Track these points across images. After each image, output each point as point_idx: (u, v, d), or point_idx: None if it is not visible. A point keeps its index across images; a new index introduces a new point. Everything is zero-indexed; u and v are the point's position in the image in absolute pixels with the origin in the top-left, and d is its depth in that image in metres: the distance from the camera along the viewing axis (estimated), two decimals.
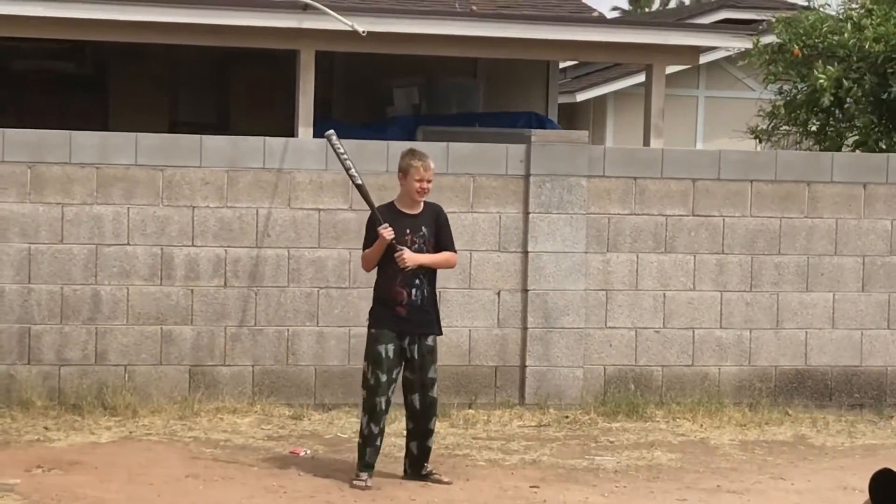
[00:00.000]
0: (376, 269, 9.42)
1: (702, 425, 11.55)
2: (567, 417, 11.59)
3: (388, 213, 9.36)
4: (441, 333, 9.52)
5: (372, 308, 9.44)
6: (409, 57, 14.93)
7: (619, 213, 11.97)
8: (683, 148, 18.05)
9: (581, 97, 22.08)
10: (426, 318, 9.34)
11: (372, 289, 9.50)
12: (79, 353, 11.27)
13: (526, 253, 11.84)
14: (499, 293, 11.83)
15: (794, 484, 9.86)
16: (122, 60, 17.12)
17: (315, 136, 13.16)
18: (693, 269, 12.08)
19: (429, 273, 9.35)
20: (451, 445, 10.51)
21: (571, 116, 22.02)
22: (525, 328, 11.85)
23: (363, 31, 12.98)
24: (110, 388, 11.21)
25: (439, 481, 9.39)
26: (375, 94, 17.40)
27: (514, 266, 11.80)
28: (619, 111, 22.39)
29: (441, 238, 9.39)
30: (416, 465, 9.48)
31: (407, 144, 12.20)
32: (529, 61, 16.58)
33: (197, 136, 11.59)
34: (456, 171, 11.66)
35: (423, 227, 9.32)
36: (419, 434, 9.43)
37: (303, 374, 11.57)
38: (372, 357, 9.28)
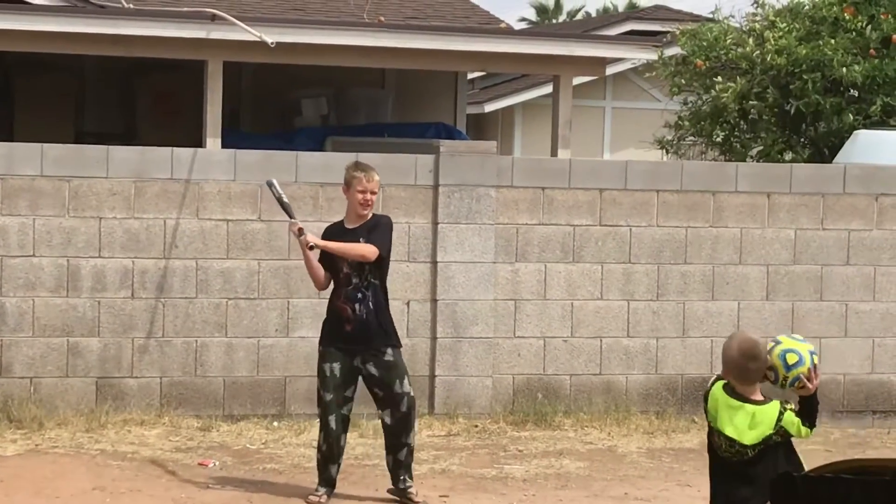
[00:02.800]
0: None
1: (609, 433, 11.64)
2: (476, 426, 11.64)
3: (333, 230, 9.25)
4: (399, 345, 9.24)
5: (322, 324, 9.33)
6: (318, 67, 14.92)
7: (527, 223, 12.04)
8: (590, 158, 18.19)
9: (489, 108, 22.20)
10: (376, 333, 9.11)
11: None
12: None
13: (435, 263, 11.87)
14: (408, 303, 11.85)
15: (700, 491, 9.95)
16: (28, 70, 16.95)
17: (223, 146, 13.11)
18: (600, 279, 12.18)
19: (371, 286, 9.11)
20: (360, 455, 10.51)
21: (480, 127, 22.12)
22: (434, 338, 11.88)
23: (271, 42, 12.95)
24: (16, 400, 11.09)
25: (410, 500, 9.30)
26: (284, 104, 17.37)
27: (424, 276, 11.83)
28: (526, 122, 22.53)
29: (371, 236, 9.11)
30: (393, 477, 9.37)
31: (316, 154, 12.22)
32: (438, 72, 16.64)
33: (104, 147, 11.51)
34: None
35: (360, 239, 9.11)
36: (391, 447, 9.31)
37: (211, 385, 11.52)
38: (319, 375, 9.19)
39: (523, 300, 12.05)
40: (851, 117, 14.59)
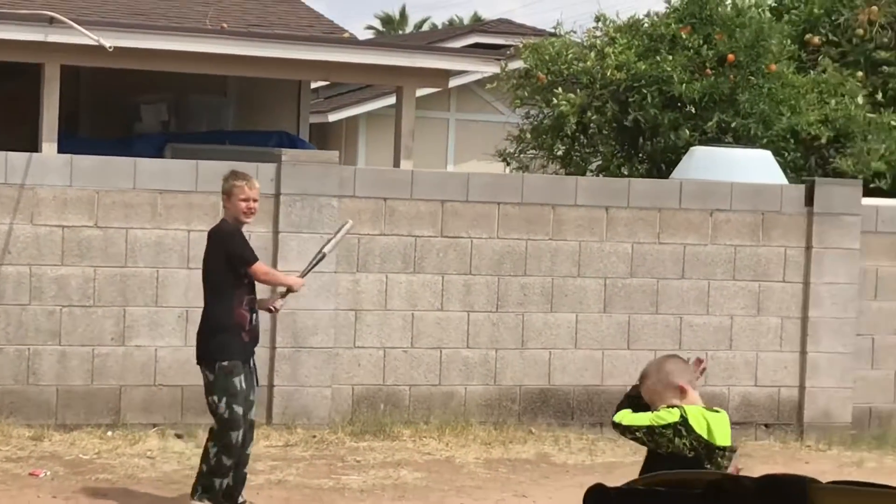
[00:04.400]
0: (213, 294, 9.06)
1: (448, 444, 11.67)
2: (315, 437, 11.58)
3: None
4: None
5: (217, 337, 8.95)
6: (158, 73, 14.76)
7: (369, 234, 12.03)
8: (433, 170, 18.25)
9: (333, 117, 22.16)
10: (257, 340, 9.22)
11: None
12: None
13: None
14: None
15: (536, 501, 10.05)
16: None
17: (60, 151, 12.89)
18: (441, 290, 12.21)
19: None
20: (195, 465, 10.38)
21: (324, 136, 22.06)
22: (273, 347, 11.80)
23: (110, 47, 12.77)
24: None
25: None
26: (123, 109, 17.14)
27: (264, 286, 11.72)
28: (370, 132, 22.53)
29: None
30: (231, 497, 9.12)
31: (155, 161, 12.08)
32: (281, 80, 16.56)
33: None
34: (205, 189, 11.55)
35: None
36: (239, 462, 9.11)
37: (44, 394, 11.30)
38: (228, 390, 8.86)
39: (364, 310, 12.03)
40: (688, 133, 14.84)
